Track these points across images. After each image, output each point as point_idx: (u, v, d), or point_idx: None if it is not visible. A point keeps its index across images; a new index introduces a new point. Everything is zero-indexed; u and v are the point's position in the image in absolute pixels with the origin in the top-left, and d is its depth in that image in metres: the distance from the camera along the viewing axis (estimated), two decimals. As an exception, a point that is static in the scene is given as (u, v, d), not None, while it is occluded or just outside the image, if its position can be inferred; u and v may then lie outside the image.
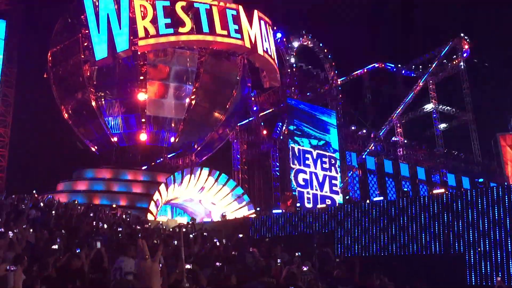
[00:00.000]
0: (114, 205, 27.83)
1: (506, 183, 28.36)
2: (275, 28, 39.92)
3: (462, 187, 45.95)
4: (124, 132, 36.25)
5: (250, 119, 43.92)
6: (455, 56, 50.60)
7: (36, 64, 42.02)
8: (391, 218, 19.80)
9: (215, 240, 16.36)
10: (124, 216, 24.24)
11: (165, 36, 33.17)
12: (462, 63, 50.29)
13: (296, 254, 13.84)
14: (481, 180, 41.15)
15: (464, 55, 50.17)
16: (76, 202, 23.98)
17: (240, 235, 19.03)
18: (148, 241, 12.91)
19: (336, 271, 13.16)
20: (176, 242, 12.97)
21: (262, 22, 36.87)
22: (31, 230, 12.22)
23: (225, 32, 34.38)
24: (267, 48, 36.88)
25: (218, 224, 28.31)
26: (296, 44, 42.58)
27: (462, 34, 50.12)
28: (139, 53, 33.23)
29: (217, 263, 11.29)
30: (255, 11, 36.42)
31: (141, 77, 34.47)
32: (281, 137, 40.96)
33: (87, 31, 33.36)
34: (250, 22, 35.64)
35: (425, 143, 49.14)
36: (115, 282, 8.38)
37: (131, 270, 8.40)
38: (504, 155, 36.71)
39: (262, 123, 43.82)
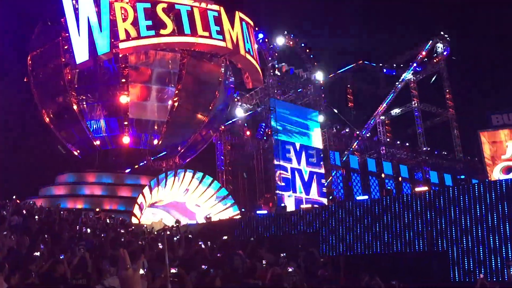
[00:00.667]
0: (97, 209, 27.58)
1: (487, 180, 28.67)
2: (256, 28, 39.93)
3: (445, 184, 46.46)
4: (107, 135, 35.92)
5: (233, 120, 43.86)
6: (435, 55, 51.10)
7: (16, 68, 41.51)
8: (375, 216, 19.92)
9: (200, 243, 16.29)
10: (108, 220, 24.06)
11: (146, 38, 32.95)
12: (442, 61, 50.80)
13: (281, 254, 13.86)
14: (463, 177, 41.62)
15: (445, 53, 50.66)
16: (59, 206, 23.81)
17: (225, 237, 18.99)
18: (132, 245, 12.83)
19: (321, 270, 13.21)
20: (160, 245, 12.91)
21: (244, 23, 36.88)
22: (12, 237, 12.08)
23: (206, 34, 34.29)
24: (249, 49, 36.86)
25: (203, 226, 28.21)
26: (278, 44, 42.48)
27: (442, 33, 50.64)
28: (120, 55, 32.97)
29: (203, 266, 11.24)
30: (237, 12, 36.41)
31: (123, 80, 34.21)
32: (265, 138, 40.89)
33: (67, 34, 33.00)
34: (232, 23, 35.59)
35: (408, 141, 49.59)
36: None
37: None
38: (484, 152, 37.07)
39: (245, 124, 43.80)
